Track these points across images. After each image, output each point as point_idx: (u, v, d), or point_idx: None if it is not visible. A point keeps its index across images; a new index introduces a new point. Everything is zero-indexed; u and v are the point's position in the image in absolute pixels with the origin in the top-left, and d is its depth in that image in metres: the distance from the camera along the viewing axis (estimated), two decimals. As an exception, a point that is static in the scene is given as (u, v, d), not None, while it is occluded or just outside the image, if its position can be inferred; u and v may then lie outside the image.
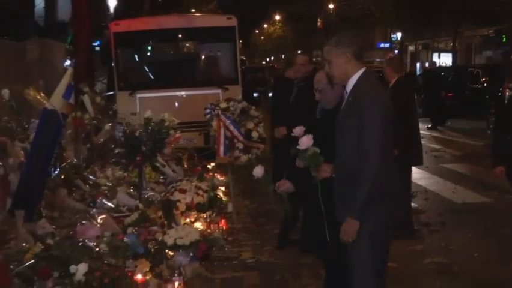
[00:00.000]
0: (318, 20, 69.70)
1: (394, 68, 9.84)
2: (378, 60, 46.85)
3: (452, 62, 43.31)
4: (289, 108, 9.32)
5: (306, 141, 5.44)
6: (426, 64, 36.85)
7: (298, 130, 5.53)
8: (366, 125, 5.00)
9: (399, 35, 52.29)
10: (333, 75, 5.28)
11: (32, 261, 6.19)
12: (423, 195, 12.96)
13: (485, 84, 27.42)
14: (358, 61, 5.24)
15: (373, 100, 5.07)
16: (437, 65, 34.25)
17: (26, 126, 8.71)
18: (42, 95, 10.08)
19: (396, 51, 48.09)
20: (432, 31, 43.93)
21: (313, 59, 55.63)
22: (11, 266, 6.11)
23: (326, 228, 5.59)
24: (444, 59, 46.22)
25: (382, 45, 57.10)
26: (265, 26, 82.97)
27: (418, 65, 49.79)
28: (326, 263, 6.16)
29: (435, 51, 49.92)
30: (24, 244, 6.64)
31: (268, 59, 77.44)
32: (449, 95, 27.08)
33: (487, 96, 25.29)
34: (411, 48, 52.46)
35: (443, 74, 29.97)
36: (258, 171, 6.40)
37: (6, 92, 8.64)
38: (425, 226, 10.67)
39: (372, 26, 55.77)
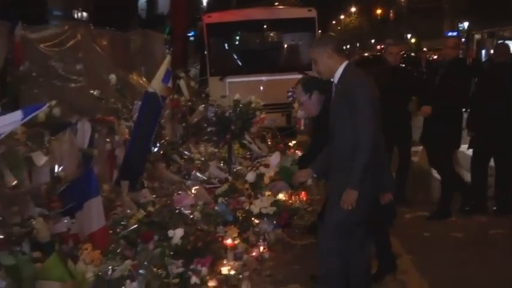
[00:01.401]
0: (391, 11, 68.60)
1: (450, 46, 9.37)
2: (445, 47, 45.68)
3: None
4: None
5: (274, 161, 5.71)
6: (491, 51, 35.75)
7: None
8: (356, 107, 5.09)
9: (466, 24, 50.97)
10: (320, 72, 5.39)
11: (135, 226, 6.30)
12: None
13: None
14: (339, 55, 5.35)
15: (359, 85, 5.18)
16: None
17: (130, 107, 8.83)
18: (144, 79, 10.24)
19: (463, 40, 46.88)
20: (498, 20, 42.60)
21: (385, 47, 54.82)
22: (117, 230, 6.22)
23: None
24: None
25: (450, 34, 55.74)
26: (342, 17, 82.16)
27: (483, 52, 48.37)
28: None
29: (500, 39, 48.46)
30: (128, 211, 6.76)
31: (344, 48, 76.76)
32: None
33: None
34: (477, 36, 51.02)
35: None
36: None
37: (113, 77, 8.77)
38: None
39: (441, 16, 54.48)
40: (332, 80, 5.37)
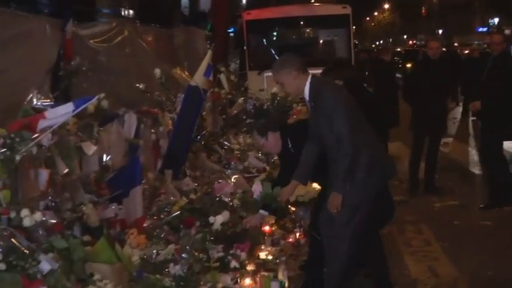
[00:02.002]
0: (423, 7, 67.82)
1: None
2: (476, 42, 45.07)
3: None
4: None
5: (256, 190, 5.73)
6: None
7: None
8: (331, 114, 5.00)
9: (496, 20, 50.20)
10: (289, 93, 5.32)
11: (178, 212, 6.34)
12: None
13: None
14: (304, 73, 5.27)
15: (326, 92, 5.11)
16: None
17: (174, 99, 8.88)
18: (186, 73, 10.30)
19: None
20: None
21: (417, 42, 54.18)
22: (162, 216, 6.27)
23: None
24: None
25: (480, 29, 54.92)
26: (376, 13, 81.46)
27: (512, 46, 47.63)
28: None
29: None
30: (172, 198, 6.81)
31: (377, 43, 76.00)
32: None
33: None
34: (507, 31, 50.23)
35: None
36: None
37: (157, 71, 8.82)
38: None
39: (472, 12, 53.74)
40: (303, 97, 5.30)
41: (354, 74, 8.46)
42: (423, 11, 68.03)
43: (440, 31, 61.96)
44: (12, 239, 3.90)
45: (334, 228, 5.20)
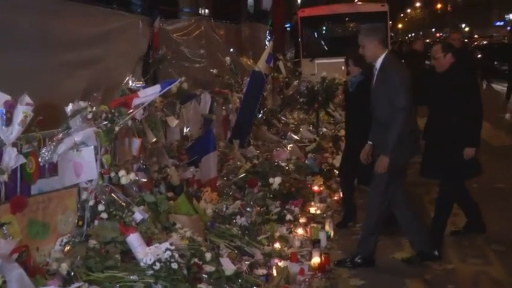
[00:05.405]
0: (448, 5, 65.77)
1: None
2: (495, 35, 43.41)
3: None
4: None
5: None
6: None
7: None
8: (394, 89, 4.83)
9: (511, 15, 48.27)
10: (366, 56, 5.07)
11: (244, 174, 6.36)
12: None
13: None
14: (383, 46, 5.07)
15: (396, 71, 4.93)
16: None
17: (241, 82, 8.86)
18: (251, 61, 10.25)
19: (508, 28, 44.40)
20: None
21: (444, 35, 52.61)
22: (230, 177, 6.29)
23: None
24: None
25: (498, 23, 52.86)
26: (408, 10, 79.52)
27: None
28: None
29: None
30: (238, 163, 6.83)
31: (409, 35, 74.12)
32: None
33: None
34: (520, 26, 48.28)
35: None
36: None
37: (228, 59, 8.83)
38: None
39: (490, 8, 51.79)
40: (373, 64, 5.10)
41: None
42: (449, 8, 65.98)
43: (463, 25, 60.00)
44: (112, 194, 3.97)
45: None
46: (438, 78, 5.48)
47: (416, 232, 5.12)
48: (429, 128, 5.52)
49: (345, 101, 6.69)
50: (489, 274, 4.90)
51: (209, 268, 3.84)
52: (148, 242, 3.71)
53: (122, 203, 3.96)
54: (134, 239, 3.63)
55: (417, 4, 76.14)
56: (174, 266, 3.48)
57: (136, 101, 4.30)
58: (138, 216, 3.93)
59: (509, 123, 12.72)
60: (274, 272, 4.42)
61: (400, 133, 4.81)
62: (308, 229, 5.49)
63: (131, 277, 3.42)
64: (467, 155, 5.26)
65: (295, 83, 10.68)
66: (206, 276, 3.78)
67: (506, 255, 5.24)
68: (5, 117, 3.32)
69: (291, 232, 5.43)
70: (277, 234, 5.21)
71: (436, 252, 5.11)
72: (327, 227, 5.62)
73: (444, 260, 5.11)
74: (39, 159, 3.63)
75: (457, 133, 5.24)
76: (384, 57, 4.99)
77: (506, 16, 50.50)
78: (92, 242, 3.65)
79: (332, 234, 5.63)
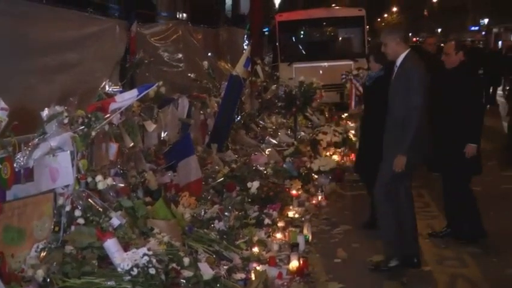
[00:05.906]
0: (425, 9, 66.59)
1: None
2: (469, 39, 44.02)
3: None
4: None
5: None
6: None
7: None
8: (412, 88, 4.86)
9: (486, 20, 49.00)
10: (387, 53, 5.11)
11: (222, 178, 6.35)
12: None
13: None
14: (405, 43, 5.12)
15: (416, 71, 4.94)
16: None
17: (219, 86, 8.86)
18: (229, 65, 10.23)
19: (483, 33, 45.06)
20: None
21: (420, 39, 53.21)
22: (208, 181, 6.28)
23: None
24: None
25: (472, 28, 53.64)
26: (385, 15, 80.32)
27: (500, 43, 46.40)
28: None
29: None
30: (216, 167, 6.82)
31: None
32: None
33: None
34: (495, 30, 49.00)
35: None
36: None
37: (205, 63, 8.82)
38: None
39: (466, 13, 52.53)
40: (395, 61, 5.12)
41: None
42: (425, 12, 66.83)
43: (439, 30, 60.77)
44: (89, 199, 3.95)
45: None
46: (446, 75, 5.66)
47: (396, 236, 5.11)
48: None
49: (363, 95, 6.86)
50: (465, 276, 4.95)
51: (187, 273, 3.82)
52: (126, 247, 3.68)
53: (99, 209, 3.93)
54: (111, 245, 3.61)
55: (394, 9, 76.97)
56: (152, 271, 3.46)
57: (113, 106, 4.28)
58: (115, 221, 3.90)
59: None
60: (253, 276, 4.42)
61: (416, 132, 4.83)
62: (286, 233, 5.50)
63: (109, 283, 3.40)
64: (468, 152, 5.40)
65: (274, 87, 10.70)
66: (184, 281, 3.77)
67: (482, 257, 5.30)
68: (-21, 122, 3.28)
69: (269, 236, 5.43)
70: (255, 238, 5.20)
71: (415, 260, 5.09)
72: (305, 231, 5.64)
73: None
74: (15, 165, 3.59)
75: (458, 130, 5.42)
76: (405, 55, 5.00)
77: (481, 21, 51.28)
78: (69, 248, 3.62)
79: (310, 237, 5.64)
